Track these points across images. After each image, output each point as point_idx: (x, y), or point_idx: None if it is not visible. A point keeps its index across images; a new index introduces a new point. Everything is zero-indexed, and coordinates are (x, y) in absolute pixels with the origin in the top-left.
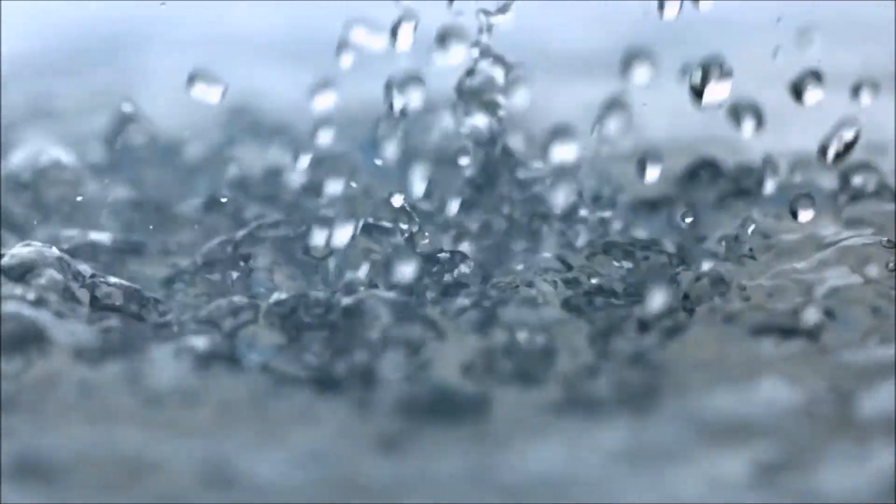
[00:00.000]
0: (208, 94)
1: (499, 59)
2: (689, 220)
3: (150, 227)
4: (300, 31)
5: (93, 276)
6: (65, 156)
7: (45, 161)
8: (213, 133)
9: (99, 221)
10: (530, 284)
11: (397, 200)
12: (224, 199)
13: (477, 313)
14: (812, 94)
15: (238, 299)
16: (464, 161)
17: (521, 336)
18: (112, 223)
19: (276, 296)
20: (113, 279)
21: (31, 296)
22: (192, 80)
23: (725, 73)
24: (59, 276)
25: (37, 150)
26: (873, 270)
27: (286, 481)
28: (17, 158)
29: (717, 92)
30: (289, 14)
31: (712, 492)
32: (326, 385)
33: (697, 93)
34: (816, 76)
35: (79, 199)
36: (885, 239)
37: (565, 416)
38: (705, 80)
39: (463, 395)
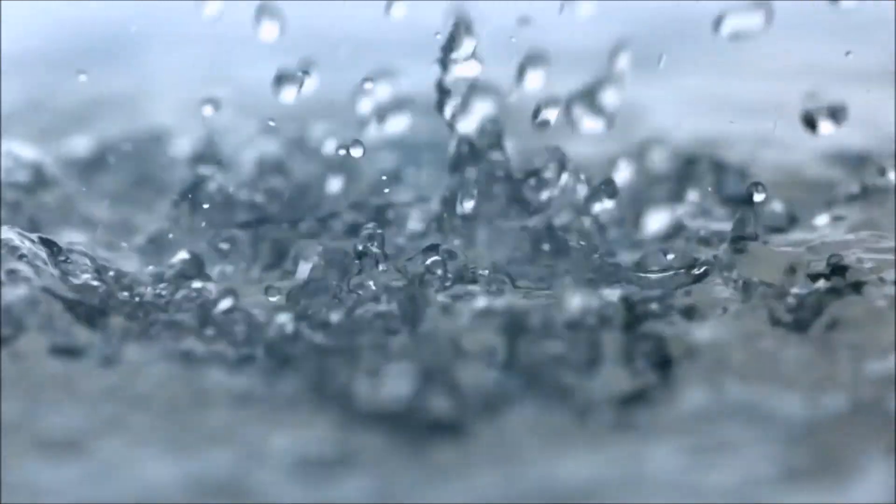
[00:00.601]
0: None
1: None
2: (670, 256)
3: (135, 225)
4: (300, 30)
5: (68, 260)
6: (61, 155)
7: (41, 160)
8: (211, 132)
9: (87, 220)
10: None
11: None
12: (207, 206)
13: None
14: (825, 127)
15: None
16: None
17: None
18: (99, 223)
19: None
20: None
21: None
22: None
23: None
24: (33, 263)
25: (33, 148)
26: (873, 271)
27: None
28: (15, 157)
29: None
30: (288, 14)
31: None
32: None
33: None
34: (833, 112)
35: (64, 198)
36: (885, 239)
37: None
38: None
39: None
